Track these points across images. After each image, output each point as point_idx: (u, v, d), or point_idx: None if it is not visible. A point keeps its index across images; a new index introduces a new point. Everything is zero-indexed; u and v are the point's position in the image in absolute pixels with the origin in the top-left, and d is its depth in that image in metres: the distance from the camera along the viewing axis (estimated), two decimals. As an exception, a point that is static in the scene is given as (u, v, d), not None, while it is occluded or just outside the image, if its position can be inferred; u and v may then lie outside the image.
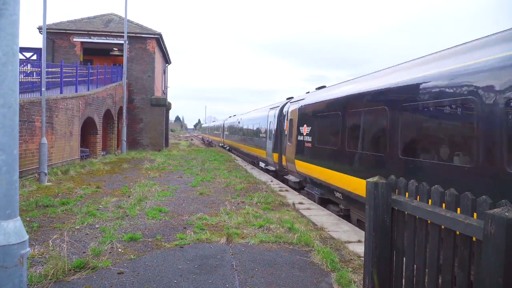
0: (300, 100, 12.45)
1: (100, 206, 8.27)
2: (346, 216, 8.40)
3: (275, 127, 15.27)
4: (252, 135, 21.06)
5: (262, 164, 18.66)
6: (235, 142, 28.21)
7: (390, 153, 6.32)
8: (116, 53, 29.95)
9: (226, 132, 35.45)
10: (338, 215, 8.46)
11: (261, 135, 18.60)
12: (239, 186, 11.62)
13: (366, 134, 7.48)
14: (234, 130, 29.36)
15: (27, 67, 13.99)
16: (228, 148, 34.07)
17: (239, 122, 26.62)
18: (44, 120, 11.55)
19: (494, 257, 2.19)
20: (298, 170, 11.90)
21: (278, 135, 14.87)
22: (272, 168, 16.46)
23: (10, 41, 2.67)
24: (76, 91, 17.15)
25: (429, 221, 2.88)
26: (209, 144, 49.27)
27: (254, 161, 21.45)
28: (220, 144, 40.35)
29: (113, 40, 26.21)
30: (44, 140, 11.41)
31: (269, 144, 16.33)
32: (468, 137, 4.67)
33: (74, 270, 4.55)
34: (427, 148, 5.54)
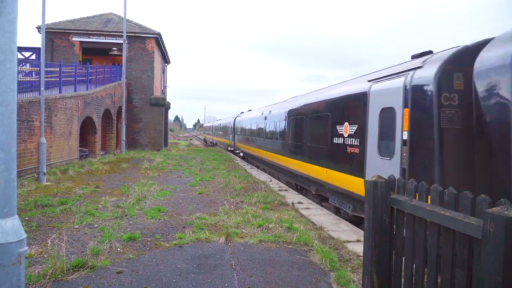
0: None
1: (99, 206, 8.26)
2: None
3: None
4: (308, 139, 10.76)
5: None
6: (258, 148, 18.72)
7: None
8: (115, 52, 29.94)
9: (238, 133, 26.38)
10: None
11: (353, 141, 7.92)
12: (238, 186, 11.61)
13: None
14: (254, 131, 20.30)
15: (26, 67, 13.98)
16: (242, 155, 25.14)
17: (265, 118, 17.22)
18: (43, 120, 11.54)
19: (493, 256, 2.19)
20: None
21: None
22: None
23: (8, 39, 2.66)
24: (75, 91, 17.14)
25: (428, 220, 2.87)
26: (213, 146, 42.29)
27: (310, 188, 10.75)
28: (229, 148, 31.31)
29: (112, 39, 26.19)
30: (43, 139, 11.40)
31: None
32: None
33: (72, 269, 4.54)
34: None
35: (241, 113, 28.99)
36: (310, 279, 4.58)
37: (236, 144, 27.49)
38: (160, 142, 27.51)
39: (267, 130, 16.93)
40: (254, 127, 20.55)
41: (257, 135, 19.50)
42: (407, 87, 6.21)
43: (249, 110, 25.89)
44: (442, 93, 5.56)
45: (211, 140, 50.31)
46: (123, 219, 7.15)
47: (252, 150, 20.91)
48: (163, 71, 34.54)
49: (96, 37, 26.06)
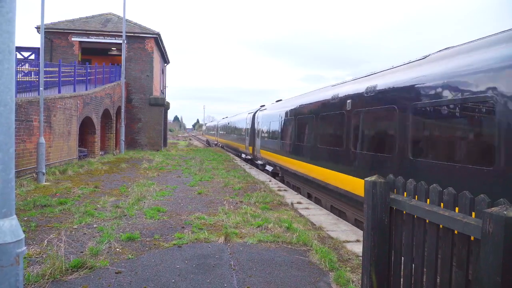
0: None
1: (98, 206, 8.25)
2: None
3: None
4: None
5: None
6: (318, 165, 10.12)
7: None
8: (115, 52, 29.91)
9: (263, 135, 17.43)
10: None
11: None
12: (238, 186, 11.60)
13: None
14: (306, 133, 11.36)
15: (25, 67, 13.95)
16: (272, 169, 15.97)
17: (350, 105, 8.34)
18: (42, 120, 11.53)
19: (492, 256, 2.19)
20: None
21: None
22: None
23: (6, 39, 2.66)
24: (74, 91, 17.12)
25: (427, 220, 2.87)
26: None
27: None
28: (245, 156, 23.11)
29: (112, 39, 26.16)
30: (42, 139, 11.38)
31: None
32: None
33: (71, 269, 4.54)
34: None
35: (261, 106, 20.30)
36: (309, 279, 4.58)
37: (260, 152, 18.03)
38: (159, 142, 27.49)
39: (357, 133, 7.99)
40: (304, 126, 11.29)
41: (316, 140, 10.20)
42: None
43: (278, 101, 17.39)
44: None
45: (215, 142, 42.58)
46: (122, 219, 7.14)
47: (300, 167, 11.40)
48: (162, 71, 34.52)
49: (95, 37, 26.03)
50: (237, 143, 26.43)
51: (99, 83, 21.72)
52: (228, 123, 32.68)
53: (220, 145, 37.62)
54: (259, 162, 18.44)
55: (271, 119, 16.07)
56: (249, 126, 21.49)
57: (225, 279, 4.51)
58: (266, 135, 16.98)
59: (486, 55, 4.87)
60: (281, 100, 17.24)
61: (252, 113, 21.07)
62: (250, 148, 20.89)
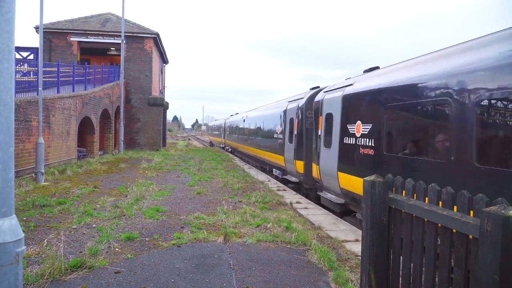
0: None
1: (97, 206, 8.25)
2: None
3: None
4: None
5: None
6: None
7: None
8: (114, 52, 29.90)
9: (357, 142, 7.46)
10: None
11: None
12: (237, 186, 11.61)
13: None
14: None
15: (24, 67, 13.93)
16: None
17: None
18: (41, 120, 11.52)
19: (490, 255, 2.20)
20: None
21: None
22: None
23: (5, 39, 2.66)
24: (73, 91, 17.10)
25: (425, 219, 2.88)
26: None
27: None
28: (281, 174, 14.39)
29: (111, 39, 26.14)
30: (41, 139, 11.38)
31: None
32: None
33: (71, 269, 4.54)
34: None
35: (313, 88, 12.52)
36: (308, 279, 4.59)
37: (337, 177, 8.48)
38: (158, 142, 27.48)
39: None
40: None
41: None
42: None
43: (374, 68, 8.39)
44: None
45: (222, 146, 35.17)
46: (121, 219, 7.14)
47: None
48: (162, 71, 34.51)
49: (94, 37, 26.01)
50: (264, 152, 17.07)
51: (98, 83, 21.69)
52: (244, 120, 23.13)
53: (230, 150, 30.25)
54: (332, 196, 9.12)
55: (401, 105, 6.40)
56: (292, 125, 12.85)
57: (224, 278, 4.52)
58: (371, 143, 7.11)
59: None
60: (377, 67, 8.33)
61: (304, 100, 11.98)
62: (299, 164, 11.94)
